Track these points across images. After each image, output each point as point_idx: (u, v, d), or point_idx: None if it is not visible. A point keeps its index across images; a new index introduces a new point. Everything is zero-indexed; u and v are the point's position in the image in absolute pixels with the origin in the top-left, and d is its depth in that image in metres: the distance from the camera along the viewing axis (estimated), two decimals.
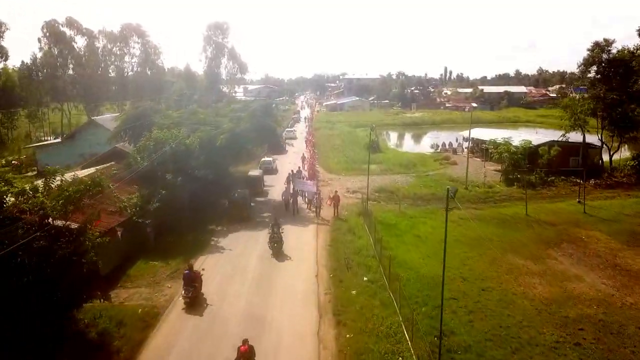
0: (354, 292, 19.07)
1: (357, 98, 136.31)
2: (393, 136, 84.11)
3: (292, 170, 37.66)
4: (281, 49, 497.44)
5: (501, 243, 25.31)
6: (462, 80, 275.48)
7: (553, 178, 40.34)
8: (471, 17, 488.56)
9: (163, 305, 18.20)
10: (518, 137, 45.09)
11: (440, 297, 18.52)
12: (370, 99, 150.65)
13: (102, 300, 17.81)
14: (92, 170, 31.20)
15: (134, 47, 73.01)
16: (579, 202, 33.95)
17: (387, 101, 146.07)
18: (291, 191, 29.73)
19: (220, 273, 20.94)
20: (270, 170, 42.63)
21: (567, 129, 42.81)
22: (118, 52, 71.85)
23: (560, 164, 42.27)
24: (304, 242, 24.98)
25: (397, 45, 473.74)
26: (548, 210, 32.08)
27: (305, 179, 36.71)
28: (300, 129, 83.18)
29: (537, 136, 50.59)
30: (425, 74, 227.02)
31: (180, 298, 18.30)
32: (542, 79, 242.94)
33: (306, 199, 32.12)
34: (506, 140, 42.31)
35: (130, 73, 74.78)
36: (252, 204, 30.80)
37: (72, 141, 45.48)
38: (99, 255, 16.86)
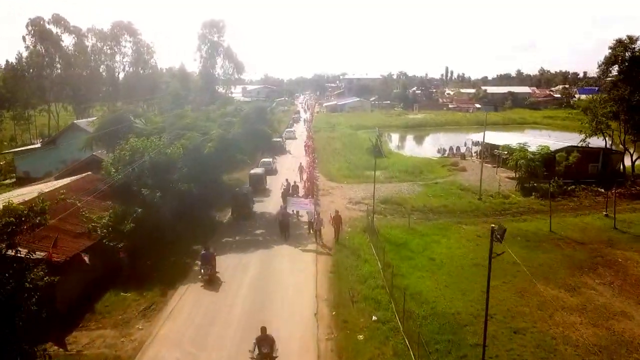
0: (360, 336, 15.82)
1: (358, 99, 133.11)
2: (396, 139, 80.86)
3: (286, 180, 33.56)
4: (281, 49, 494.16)
5: (528, 268, 22.04)
6: (463, 81, 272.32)
7: (573, 187, 37.11)
8: (471, 16, 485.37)
9: (130, 355, 14.95)
10: (533, 141, 41.93)
11: (467, 343, 15.45)
12: (371, 99, 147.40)
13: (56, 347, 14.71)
14: (66, 181, 28.09)
15: (125, 46, 69.87)
16: (606, 215, 30.71)
17: (388, 102, 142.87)
18: (287, 211, 25.75)
19: (201, 313, 17.62)
20: (270, 170, 41.87)
21: (587, 132, 39.62)
22: (108, 52, 68.63)
23: (578, 171, 39.08)
24: (301, 269, 21.69)
25: (397, 45, 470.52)
26: (574, 226, 28.84)
27: (302, 191, 33.41)
28: (300, 130, 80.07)
29: (551, 140, 47.32)
30: (426, 74, 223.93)
31: None
32: (544, 79, 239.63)
33: (298, 215, 28.43)
34: (522, 145, 39.14)
35: (121, 73, 71.59)
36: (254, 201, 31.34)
37: (53, 146, 42.23)
38: (58, 288, 13.96)
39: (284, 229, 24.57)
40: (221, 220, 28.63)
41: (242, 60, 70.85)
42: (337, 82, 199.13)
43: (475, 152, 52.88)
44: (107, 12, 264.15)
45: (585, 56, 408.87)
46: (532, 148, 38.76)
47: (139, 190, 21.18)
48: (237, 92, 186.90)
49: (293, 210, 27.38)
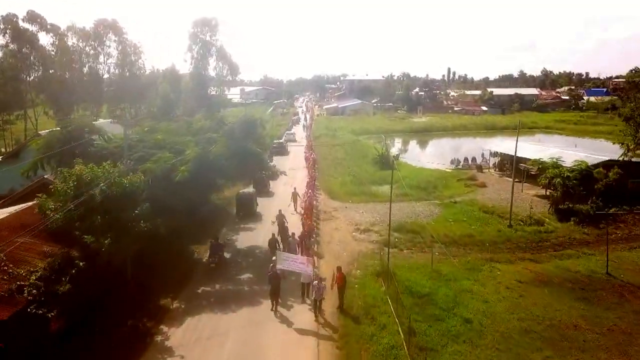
0: None
1: (360, 101, 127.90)
2: (402, 146, 75.50)
3: (279, 212, 27.39)
4: (280, 50, 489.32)
5: (597, 336, 16.83)
6: (465, 82, 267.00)
7: (615, 209, 31.87)
8: (471, 16, 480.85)
9: None
10: (565, 154, 36.74)
11: None
12: (372, 101, 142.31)
13: None
14: (11, 210, 22.84)
15: (109, 46, 64.59)
16: None
17: (390, 104, 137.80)
18: (277, 271, 18.47)
19: None
20: (272, 174, 41.92)
21: (630, 144, 34.44)
22: (91, 52, 63.37)
23: (619, 190, 33.85)
24: (297, 341, 16.38)
25: (397, 45, 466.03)
26: (633, 265, 23.60)
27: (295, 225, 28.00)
28: (300, 135, 74.85)
29: (581, 151, 42.02)
30: (427, 75, 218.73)
31: None
32: (549, 80, 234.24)
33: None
34: (555, 160, 33.95)
35: (106, 75, 66.32)
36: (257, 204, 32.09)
37: (16, 160, 36.86)
38: None
39: (273, 295, 18.38)
40: (200, 258, 23.35)
41: (237, 61, 65.95)
42: (338, 83, 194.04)
43: (493, 164, 47.66)
44: (90, 10, 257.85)
45: (584, 56, 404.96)
46: (567, 163, 33.60)
47: (83, 235, 15.95)
48: (234, 94, 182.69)
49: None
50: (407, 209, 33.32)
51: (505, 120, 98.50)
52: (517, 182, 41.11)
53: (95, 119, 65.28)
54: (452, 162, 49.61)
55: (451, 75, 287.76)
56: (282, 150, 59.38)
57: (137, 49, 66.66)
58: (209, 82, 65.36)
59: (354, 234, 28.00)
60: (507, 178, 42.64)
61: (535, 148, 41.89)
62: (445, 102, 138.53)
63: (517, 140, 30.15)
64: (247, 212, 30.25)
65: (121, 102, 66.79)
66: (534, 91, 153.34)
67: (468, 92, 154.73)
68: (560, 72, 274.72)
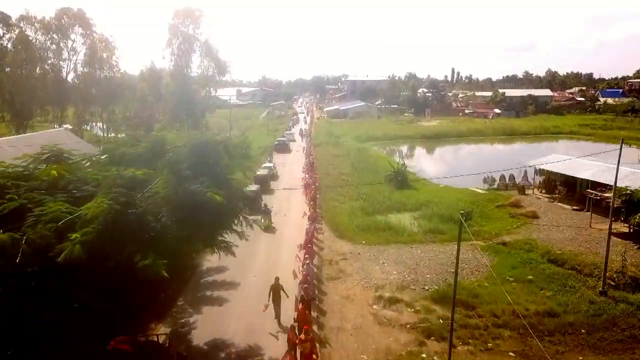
0: None
1: (363, 103, 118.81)
2: (417, 156, 66.10)
3: (275, 280, 17.63)
4: (279, 50, 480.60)
5: None
6: (470, 82, 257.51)
7: None
8: (471, 16, 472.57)
9: None
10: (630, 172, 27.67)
11: None
12: (376, 103, 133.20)
13: None
14: None
15: (75, 41, 55.44)
16: None
17: (395, 106, 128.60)
18: None
19: None
20: (271, 176, 42.06)
21: None
22: (53, 47, 54.20)
23: None
24: None
25: (396, 45, 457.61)
26: None
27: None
28: (297, 145, 65.63)
29: None
30: (428, 75, 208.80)
31: None
32: (557, 81, 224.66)
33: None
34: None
35: (72, 75, 57.15)
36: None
37: None
38: None
39: None
40: None
41: (227, 59, 57.06)
42: (339, 84, 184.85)
43: (538, 184, 38.46)
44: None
45: (584, 56, 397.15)
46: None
47: None
48: (229, 95, 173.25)
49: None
50: (442, 255, 24.15)
51: (524, 125, 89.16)
52: (574, 209, 32.08)
53: (58, 124, 56.12)
54: (485, 180, 40.31)
55: (455, 76, 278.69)
56: (284, 148, 59.69)
57: (108, 44, 57.49)
58: (192, 82, 56.33)
59: (374, 307, 18.76)
60: (561, 204, 33.47)
61: (595, 166, 32.61)
62: (454, 104, 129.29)
63: (618, 163, 20.61)
64: (254, 207, 27.50)
65: (90, 105, 57.58)
66: (547, 92, 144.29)
67: (478, 94, 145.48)
68: (567, 73, 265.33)
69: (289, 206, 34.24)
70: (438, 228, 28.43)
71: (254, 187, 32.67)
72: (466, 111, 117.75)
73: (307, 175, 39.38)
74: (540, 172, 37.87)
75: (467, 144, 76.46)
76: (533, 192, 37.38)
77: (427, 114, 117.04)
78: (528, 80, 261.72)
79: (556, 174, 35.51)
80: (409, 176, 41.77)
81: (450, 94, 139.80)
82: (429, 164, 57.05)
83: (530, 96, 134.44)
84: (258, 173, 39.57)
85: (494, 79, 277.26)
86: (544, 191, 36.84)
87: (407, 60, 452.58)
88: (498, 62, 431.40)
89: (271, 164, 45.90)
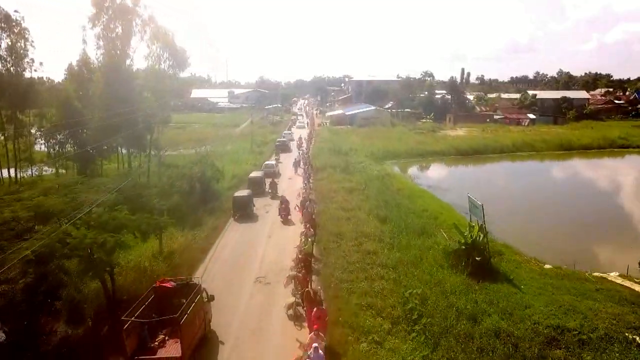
0: None
1: (373, 107, 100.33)
2: (466, 187, 47.18)
3: None
4: (278, 50, 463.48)
5: None
6: (483, 84, 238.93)
7: None
8: (472, 16, 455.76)
9: None
10: None
11: None
12: (386, 107, 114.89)
13: None
14: None
15: None
16: None
17: (409, 110, 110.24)
18: None
19: None
20: (272, 174, 40.99)
21: None
22: None
23: None
24: None
25: (398, 46, 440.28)
26: None
27: None
28: (287, 173, 47.11)
29: None
30: (432, 77, 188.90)
31: None
32: (582, 82, 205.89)
33: None
34: None
35: None
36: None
37: None
38: None
39: None
40: None
41: (185, 48, 38.95)
42: (343, 84, 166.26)
43: None
44: None
45: (584, 57, 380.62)
46: None
47: None
48: (220, 97, 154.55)
49: None
50: None
51: (580, 135, 70.44)
52: None
53: None
54: None
55: (465, 76, 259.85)
56: (285, 148, 59.01)
57: (23, 35, 39.36)
58: (133, 79, 38.02)
59: None
60: None
61: None
62: (477, 108, 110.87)
63: None
64: (245, 212, 29.54)
65: None
66: (583, 94, 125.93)
67: (505, 96, 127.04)
68: (587, 73, 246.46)
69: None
70: None
71: (244, 192, 31.47)
72: (495, 117, 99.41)
73: (299, 251, 20.85)
74: None
75: (521, 162, 58.33)
76: None
77: (449, 119, 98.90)
78: (542, 82, 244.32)
79: None
80: (493, 246, 23.13)
81: (471, 97, 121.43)
82: (501, 210, 33.98)
83: (564, 99, 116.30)
84: (252, 175, 37.61)
85: (500, 80, 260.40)
86: None
87: (407, 61, 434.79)
88: (498, 64, 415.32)
89: (272, 162, 45.68)
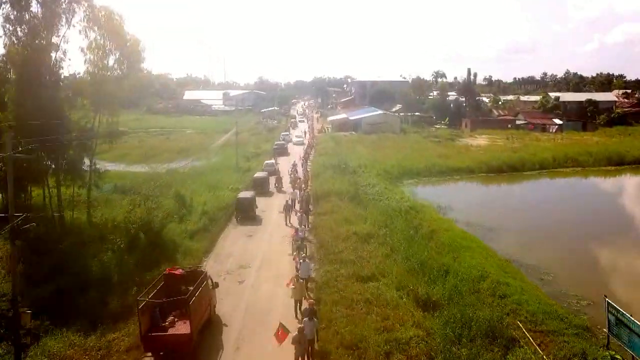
0: None
1: (380, 111, 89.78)
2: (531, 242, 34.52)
3: None
4: (278, 50, 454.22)
5: None
6: (491, 85, 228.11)
7: None
8: (475, 16, 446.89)
9: None
10: None
11: None
12: (393, 110, 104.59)
13: None
14: None
15: None
16: None
17: (418, 114, 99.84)
18: None
19: None
20: (273, 172, 40.76)
21: None
22: None
23: None
24: None
25: (396, 46, 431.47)
26: None
27: None
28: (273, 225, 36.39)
29: None
30: (444, 76, 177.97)
31: None
32: (597, 82, 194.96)
33: None
34: None
35: None
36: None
37: None
38: None
39: None
40: None
41: (140, 39, 28.24)
42: (345, 86, 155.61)
43: None
44: None
45: (585, 58, 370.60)
46: None
47: None
48: (214, 99, 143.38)
49: None
50: None
51: (632, 147, 59.51)
52: None
53: None
54: None
55: (472, 78, 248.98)
56: (283, 151, 57.53)
57: None
58: (56, 82, 27.32)
59: None
60: None
61: None
62: (495, 112, 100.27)
63: None
64: (248, 214, 28.99)
65: None
66: (609, 96, 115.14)
67: (524, 99, 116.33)
68: (598, 74, 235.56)
69: None
70: None
71: (248, 194, 30.63)
72: (517, 122, 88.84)
73: None
74: None
75: (566, 179, 47.75)
76: None
77: (465, 125, 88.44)
78: (552, 83, 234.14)
79: None
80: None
81: (486, 99, 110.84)
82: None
83: (589, 101, 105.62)
84: (256, 175, 37.55)
85: (503, 81, 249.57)
86: None
87: (406, 63, 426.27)
88: (498, 65, 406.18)
89: (272, 161, 45.67)
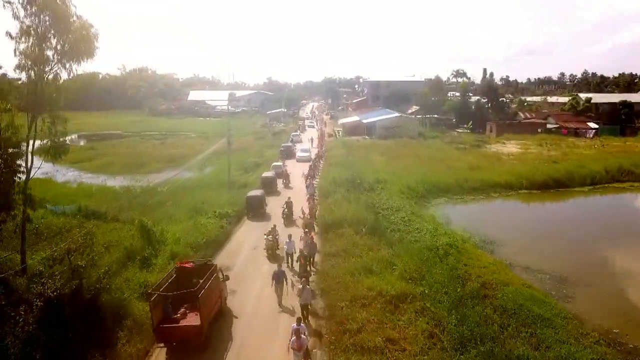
0: None
1: (396, 113, 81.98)
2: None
3: None
4: (288, 50, 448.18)
5: None
6: (509, 86, 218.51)
7: None
8: (479, 16, 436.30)
9: None
10: None
11: None
12: (409, 112, 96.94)
13: None
14: None
15: None
16: None
17: (436, 115, 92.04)
18: None
19: None
20: (280, 174, 39.91)
21: None
22: None
23: None
24: None
25: (406, 47, 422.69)
26: None
27: None
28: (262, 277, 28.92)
29: None
30: (437, 76, 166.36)
31: None
32: (622, 82, 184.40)
33: None
34: None
35: None
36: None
37: None
38: None
39: None
40: None
41: (91, 23, 20.31)
42: (356, 86, 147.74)
43: None
44: None
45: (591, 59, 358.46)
46: None
47: None
48: (218, 100, 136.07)
49: None
50: None
51: None
52: None
53: None
54: None
55: (487, 77, 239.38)
56: (289, 154, 53.93)
57: None
58: None
59: None
60: None
61: None
62: (522, 115, 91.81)
63: None
64: (258, 212, 29.44)
65: None
66: None
67: (551, 100, 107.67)
68: (620, 74, 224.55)
69: None
70: None
71: (257, 192, 30.95)
72: (548, 126, 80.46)
73: None
74: None
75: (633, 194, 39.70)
76: None
77: (490, 129, 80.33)
78: (570, 84, 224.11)
79: None
80: None
81: (509, 101, 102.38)
82: None
83: (624, 103, 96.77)
84: (264, 175, 37.37)
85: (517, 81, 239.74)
86: None
87: (417, 63, 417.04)
88: (508, 65, 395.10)
89: (280, 163, 44.52)
